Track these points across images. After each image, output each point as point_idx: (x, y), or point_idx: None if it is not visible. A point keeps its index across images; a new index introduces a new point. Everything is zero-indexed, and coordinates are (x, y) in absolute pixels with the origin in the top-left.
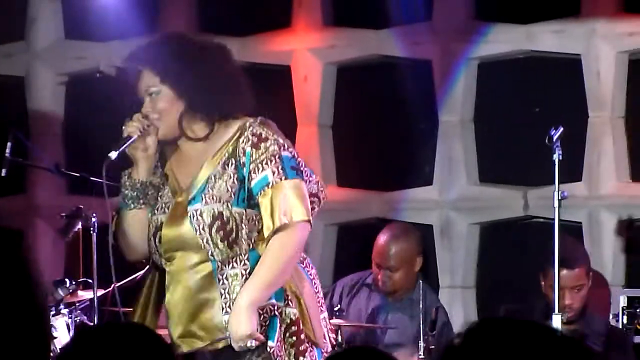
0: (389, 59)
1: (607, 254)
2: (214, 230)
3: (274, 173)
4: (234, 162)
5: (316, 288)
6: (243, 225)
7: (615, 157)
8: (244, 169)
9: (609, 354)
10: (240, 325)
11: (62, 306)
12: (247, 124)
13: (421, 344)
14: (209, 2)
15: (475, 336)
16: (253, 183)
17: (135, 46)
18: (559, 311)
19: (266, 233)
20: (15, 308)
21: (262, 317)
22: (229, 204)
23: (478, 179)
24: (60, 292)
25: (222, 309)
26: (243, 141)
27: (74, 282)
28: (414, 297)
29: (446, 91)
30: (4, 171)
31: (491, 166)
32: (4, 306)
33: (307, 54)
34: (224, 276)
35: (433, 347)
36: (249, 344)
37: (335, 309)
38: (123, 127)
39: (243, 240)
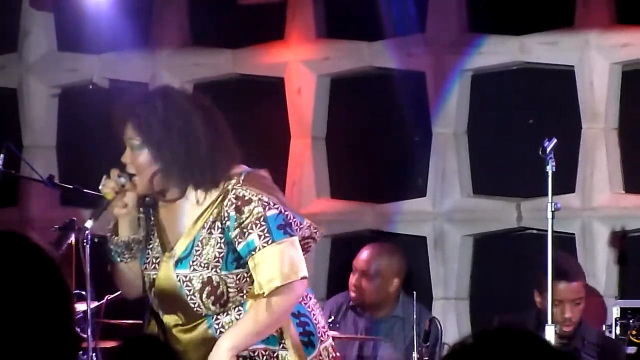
0: (382, 70)
1: (600, 265)
2: (204, 295)
3: (259, 237)
4: (219, 225)
5: (316, 318)
6: (234, 285)
7: (608, 169)
8: (230, 233)
9: None
10: None
11: None
12: (230, 187)
13: (415, 355)
14: (202, 14)
15: (477, 345)
16: (239, 247)
17: (123, 94)
18: (557, 324)
19: (257, 291)
20: (52, 331)
21: None
22: (217, 269)
23: (472, 190)
24: None
25: None
26: (227, 204)
27: None
28: (396, 313)
29: (440, 103)
30: None
31: (485, 178)
32: (41, 328)
33: (301, 66)
34: (220, 325)
35: (427, 358)
36: None
37: (330, 320)
38: (100, 187)
39: (235, 296)
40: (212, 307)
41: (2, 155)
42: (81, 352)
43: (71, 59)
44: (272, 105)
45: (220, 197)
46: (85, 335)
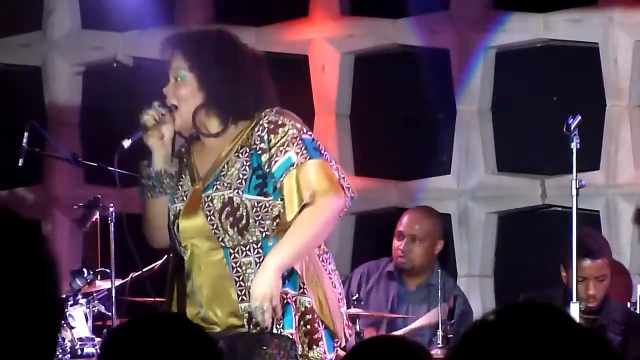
0: (406, 48)
1: (624, 242)
2: (223, 216)
3: (297, 154)
4: (247, 150)
5: (334, 283)
6: (254, 212)
7: (633, 146)
8: (262, 156)
9: (629, 339)
10: (264, 284)
11: (80, 296)
12: (263, 114)
13: (439, 332)
14: None
15: (498, 321)
16: (275, 167)
17: (167, 34)
18: (582, 301)
19: (289, 217)
20: (29, 300)
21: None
22: (240, 191)
23: (496, 168)
24: (78, 282)
25: (238, 296)
26: (258, 129)
27: (91, 272)
28: (432, 281)
29: (464, 80)
30: (21, 161)
31: (509, 155)
32: (16, 298)
33: (325, 44)
34: (237, 264)
35: (451, 335)
36: (265, 306)
37: (354, 297)
38: (139, 116)
39: (254, 228)
40: (230, 231)
41: (26, 133)
42: (105, 329)
43: (95, 37)
44: (296, 82)
45: (253, 123)
46: (110, 313)
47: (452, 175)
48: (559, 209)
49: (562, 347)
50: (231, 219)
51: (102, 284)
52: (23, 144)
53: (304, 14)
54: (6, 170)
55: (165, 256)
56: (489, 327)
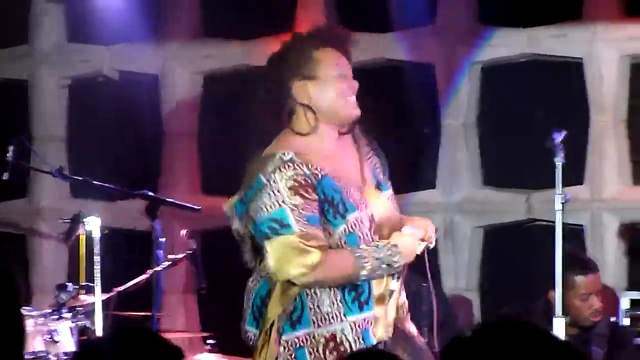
0: (392, 62)
1: (609, 256)
2: None
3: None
4: (375, 159)
5: None
6: None
7: (617, 161)
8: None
9: (613, 352)
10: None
11: (64, 310)
12: (357, 130)
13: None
14: (212, 6)
15: (478, 337)
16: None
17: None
18: (584, 317)
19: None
20: None
21: (287, 350)
22: None
23: (482, 182)
24: (63, 296)
25: None
26: (366, 142)
27: (76, 286)
28: None
29: (449, 95)
30: (6, 175)
31: (494, 169)
32: None
33: None
34: None
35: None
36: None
37: None
38: None
39: None
40: None
41: (12, 147)
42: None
43: (81, 51)
44: None
45: (359, 136)
46: (94, 328)
47: (437, 189)
48: (544, 223)
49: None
50: None
51: (87, 298)
52: (8, 158)
53: (290, 27)
54: None
55: (150, 271)
56: (466, 344)
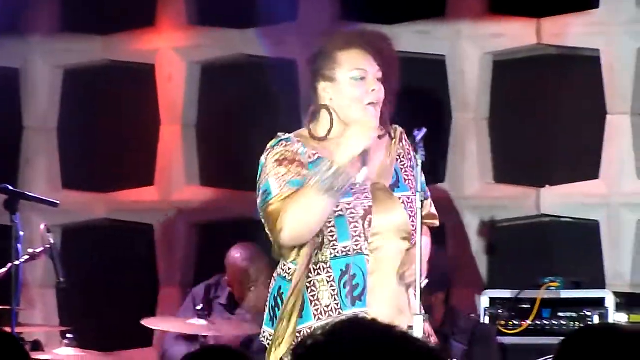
0: (254, 58)
1: (469, 255)
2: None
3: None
4: (408, 162)
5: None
6: None
7: (478, 159)
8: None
9: (473, 349)
10: None
11: None
12: (399, 130)
13: None
14: (73, 1)
15: (334, 336)
16: (421, 182)
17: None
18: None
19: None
20: None
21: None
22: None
23: None
24: None
25: None
26: (407, 146)
27: None
28: None
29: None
30: None
31: None
32: None
33: (172, 53)
34: None
35: None
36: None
37: (199, 308)
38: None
39: None
40: None
41: None
42: None
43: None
44: (142, 91)
45: (399, 137)
46: None
47: None
48: None
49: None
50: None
51: None
52: None
53: (151, 23)
54: None
55: (9, 265)
56: (319, 346)
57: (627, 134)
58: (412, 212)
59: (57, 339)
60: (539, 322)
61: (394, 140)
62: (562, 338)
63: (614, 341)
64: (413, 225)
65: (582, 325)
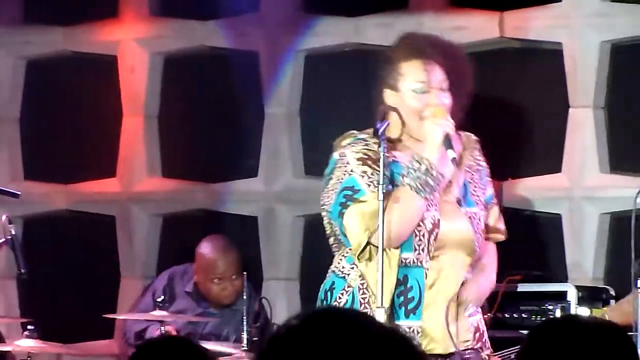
0: (215, 50)
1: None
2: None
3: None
4: (477, 174)
5: None
6: None
7: None
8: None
9: None
10: None
11: None
12: (472, 139)
13: (244, 335)
14: None
15: (302, 327)
16: (488, 194)
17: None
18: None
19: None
20: None
21: None
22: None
23: (304, 171)
24: None
25: None
26: (479, 155)
27: None
28: (239, 306)
29: (273, 83)
30: None
31: (317, 158)
32: None
33: (134, 44)
34: None
35: (256, 338)
36: None
37: (159, 300)
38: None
39: None
40: None
41: None
42: None
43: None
44: (104, 83)
45: (470, 146)
46: None
47: (259, 177)
48: None
49: (364, 349)
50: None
51: None
52: None
53: (113, 14)
54: None
55: None
56: (293, 332)
57: (589, 127)
58: (478, 227)
59: (18, 330)
60: (500, 316)
61: (465, 151)
62: (524, 332)
63: (576, 332)
64: (478, 242)
65: (544, 318)
